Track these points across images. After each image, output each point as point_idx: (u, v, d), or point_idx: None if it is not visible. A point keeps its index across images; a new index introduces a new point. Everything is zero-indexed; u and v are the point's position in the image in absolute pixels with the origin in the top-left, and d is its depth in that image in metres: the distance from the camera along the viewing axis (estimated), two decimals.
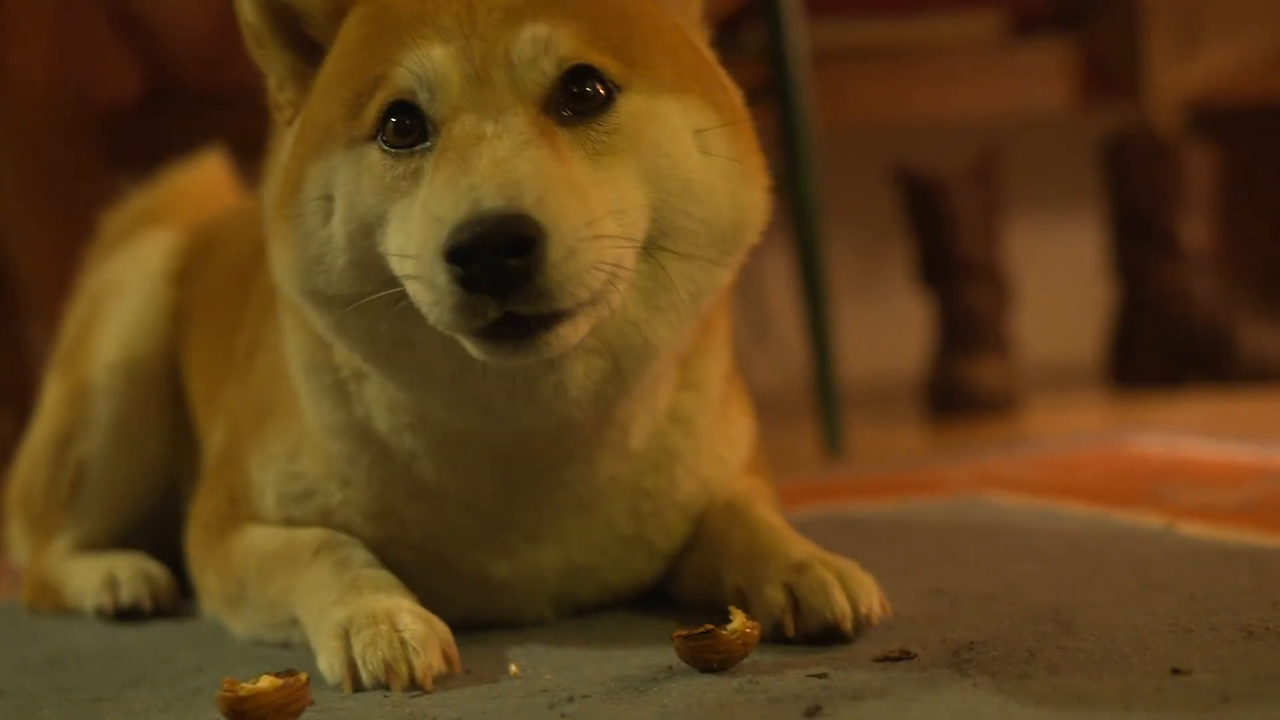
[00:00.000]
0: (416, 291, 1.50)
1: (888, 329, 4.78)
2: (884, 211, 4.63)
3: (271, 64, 1.70)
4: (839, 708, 1.36)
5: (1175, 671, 1.40)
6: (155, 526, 2.24)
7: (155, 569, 2.13)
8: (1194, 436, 3.14)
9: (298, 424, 1.80)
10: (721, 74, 1.68)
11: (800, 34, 3.34)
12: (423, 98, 1.54)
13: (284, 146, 1.70)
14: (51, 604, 2.18)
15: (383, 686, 1.54)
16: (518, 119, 1.51)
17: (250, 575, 1.81)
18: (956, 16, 4.55)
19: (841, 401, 3.42)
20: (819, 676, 1.47)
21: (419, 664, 1.54)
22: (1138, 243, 4.35)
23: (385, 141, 1.56)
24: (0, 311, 4.06)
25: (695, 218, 1.59)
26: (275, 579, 1.77)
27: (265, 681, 1.43)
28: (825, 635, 1.60)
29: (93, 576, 2.12)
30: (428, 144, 1.55)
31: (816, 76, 3.46)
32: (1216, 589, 1.71)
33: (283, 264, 1.64)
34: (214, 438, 2.05)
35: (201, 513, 1.97)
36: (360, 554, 1.73)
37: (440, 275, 1.45)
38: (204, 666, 1.74)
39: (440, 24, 1.55)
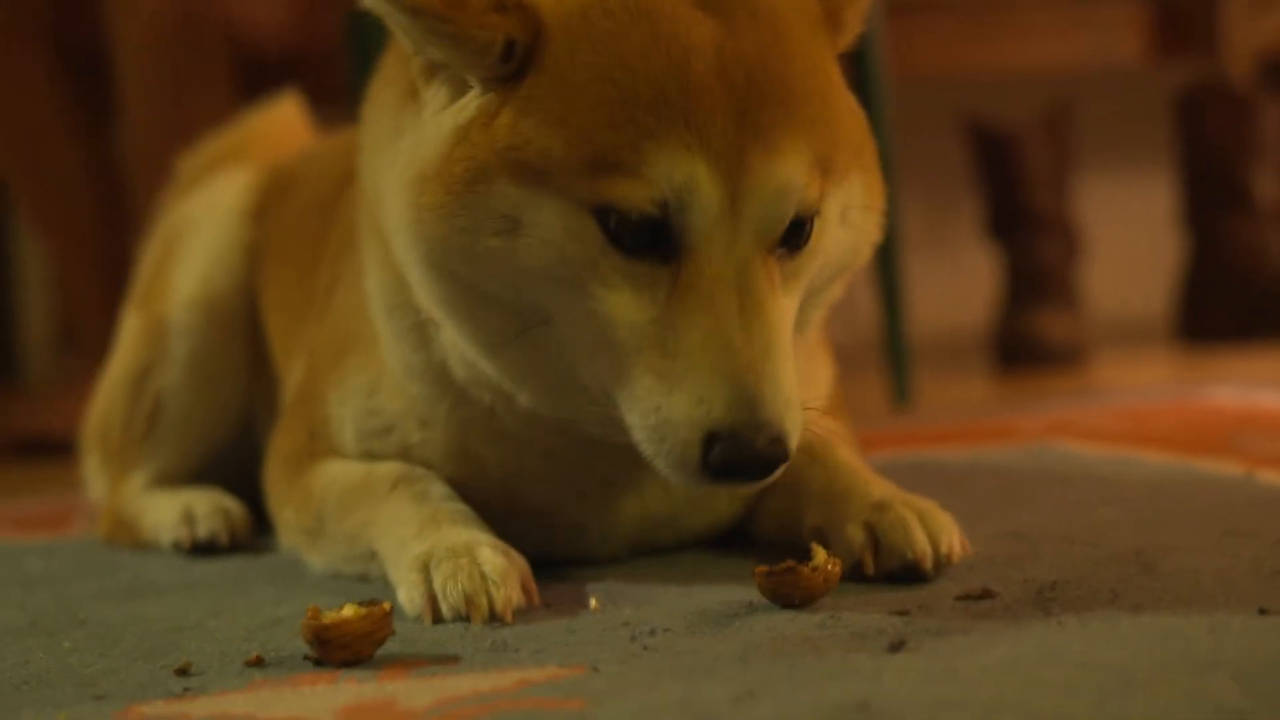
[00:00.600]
0: (636, 423, 1.50)
1: (957, 281, 4.76)
2: (954, 164, 4.60)
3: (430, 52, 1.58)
4: (923, 643, 1.36)
5: (1263, 611, 1.39)
6: (231, 462, 2.25)
7: (232, 504, 2.14)
8: (1269, 388, 3.11)
9: (376, 361, 1.80)
10: (855, 109, 1.64)
11: None
12: (675, 209, 1.47)
13: (430, 117, 1.60)
14: (128, 538, 2.19)
15: (463, 619, 1.55)
16: (760, 269, 1.49)
17: (329, 508, 1.82)
18: None
19: (910, 353, 3.41)
20: (901, 614, 1.47)
21: (499, 596, 1.54)
22: (1210, 197, 4.32)
23: (609, 229, 1.49)
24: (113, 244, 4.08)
25: (829, 279, 1.64)
26: (354, 512, 1.77)
27: (349, 610, 1.44)
28: (905, 574, 1.60)
29: (170, 511, 2.13)
30: (662, 263, 1.49)
31: (888, 27, 3.44)
32: None
33: (421, 236, 1.57)
34: (293, 374, 2.06)
35: (280, 447, 1.97)
36: (439, 487, 1.73)
37: (690, 453, 1.46)
38: (283, 599, 1.74)
39: (701, 128, 1.47)
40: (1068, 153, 4.26)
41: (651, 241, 1.49)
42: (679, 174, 1.47)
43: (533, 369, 1.61)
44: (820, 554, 1.53)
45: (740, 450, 1.44)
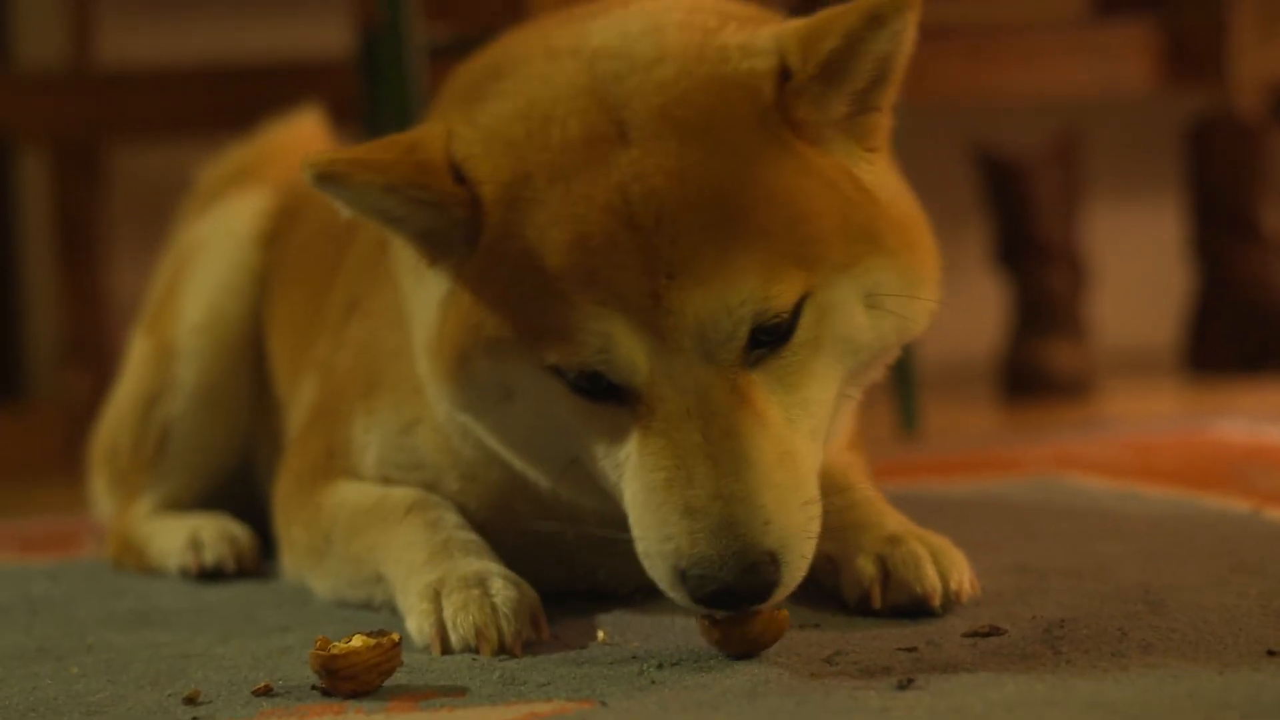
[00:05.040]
0: (636, 547, 1.49)
1: (964, 309, 4.75)
2: (962, 191, 4.60)
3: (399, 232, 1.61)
4: (931, 681, 1.36)
5: (1271, 653, 1.39)
6: (238, 488, 2.26)
7: (239, 530, 2.14)
8: (1276, 422, 3.11)
9: (413, 405, 1.78)
10: (851, 195, 1.55)
11: None
12: (604, 370, 1.48)
13: (427, 283, 1.62)
14: (135, 562, 2.19)
15: (472, 650, 1.55)
16: (724, 391, 1.46)
17: (338, 529, 1.81)
18: None
19: (918, 380, 3.41)
20: (909, 650, 1.47)
21: (509, 629, 1.55)
22: (1218, 227, 4.31)
23: (573, 384, 1.50)
24: (76, 264, 4.09)
25: (867, 361, 1.58)
26: (364, 534, 1.77)
27: (358, 640, 1.44)
28: (913, 609, 1.60)
29: (177, 537, 2.13)
30: (622, 404, 1.49)
31: None
32: None
33: (445, 396, 1.61)
34: (300, 394, 2.06)
35: (294, 463, 1.97)
36: (452, 516, 1.73)
37: (673, 586, 1.46)
38: (290, 626, 1.75)
39: (613, 288, 1.46)
40: (1076, 182, 4.26)
41: (608, 386, 1.49)
42: (596, 336, 1.46)
43: (589, 488, 1.60)
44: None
45: (709, 584, 1.43)
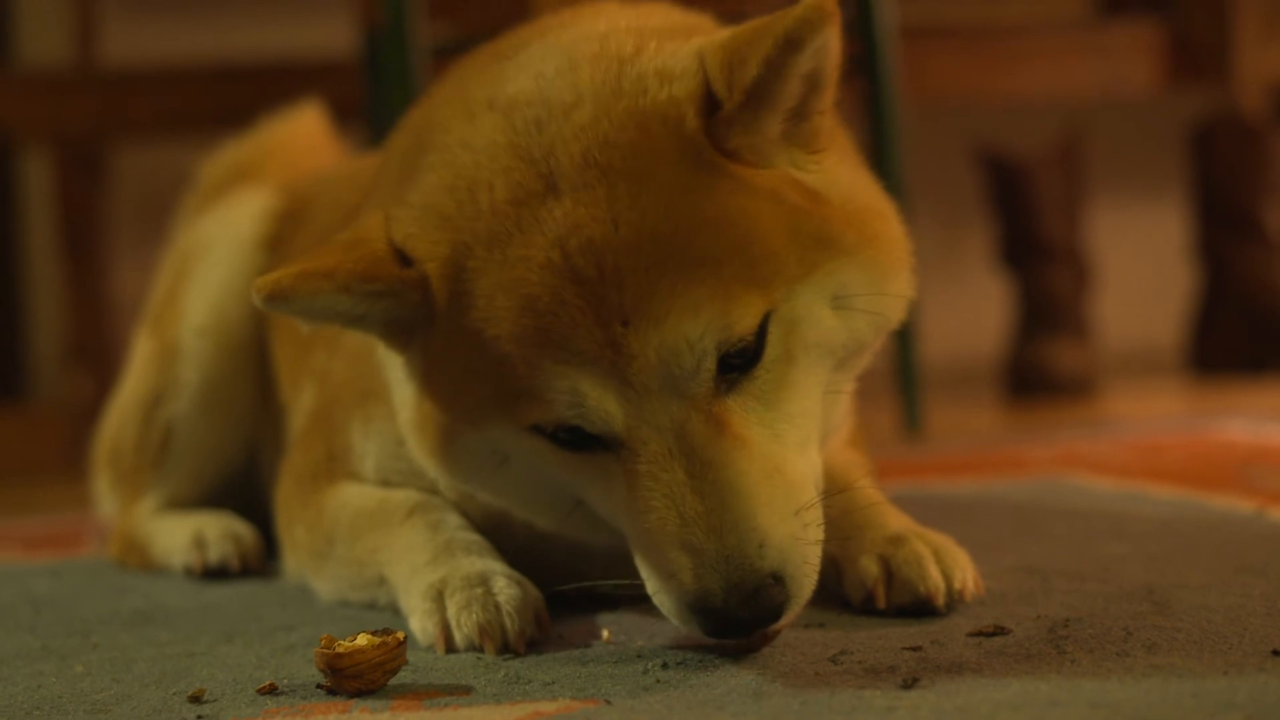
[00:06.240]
0: (649, 589, 1.49)
1: (967, 309, 4.75)
2: (966, 191, 4.60)
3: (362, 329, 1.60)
4: (936, 681, 1.36)
5: (1276, 653, 1.39)
6: (242, 487, 2.26)
7: (243, 529, 2.14)
8: (1279, 423, 3.11)
9: None
10: (836, 185, 1.54)
11: (889, 10, 3.32)
12: (583, 424, 1.47)
13: (401, 367, 1.63)
14: (139, 561, 2.20)
15: (476, 649, 1.55)
16: (700, 422, 1.44)
17: (341, 531, 1.82)
18: None
19: (921, 381, 3.41)
20: (913, 649, 1.47)
21: (512, 628, 1.55)
22: (1222, 228, 4.31)
23: (556, 440, 1.50)
24: (78, 263, 4.09)
25: (844, 359, 1.57)
26: (366, 536, 1.77)
27: (363, 639, 1.44)
28: (916, 609, 1.60)
29: (181, 535, 2.14)
30: (608, 450, 1.48)
31: (901, 54, 3.44)
32: None
33: (440, 472, 1.62)
34: (300, 399, 2.06)
35: (295, 466, 1.97)
36: (454, 517, 1.73)
37: (685, 622, 1.46)
38: (295, 625, 1.75)
39: (570, 345, 1.45)
40: (1079, 182, 4.26)
41: (590, 437, 1.48)
42: (565, 394, 1.46)
43: (592, 528, 1.60)
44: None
45: (716, 618, 1.43)
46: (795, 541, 1.44)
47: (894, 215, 1.59)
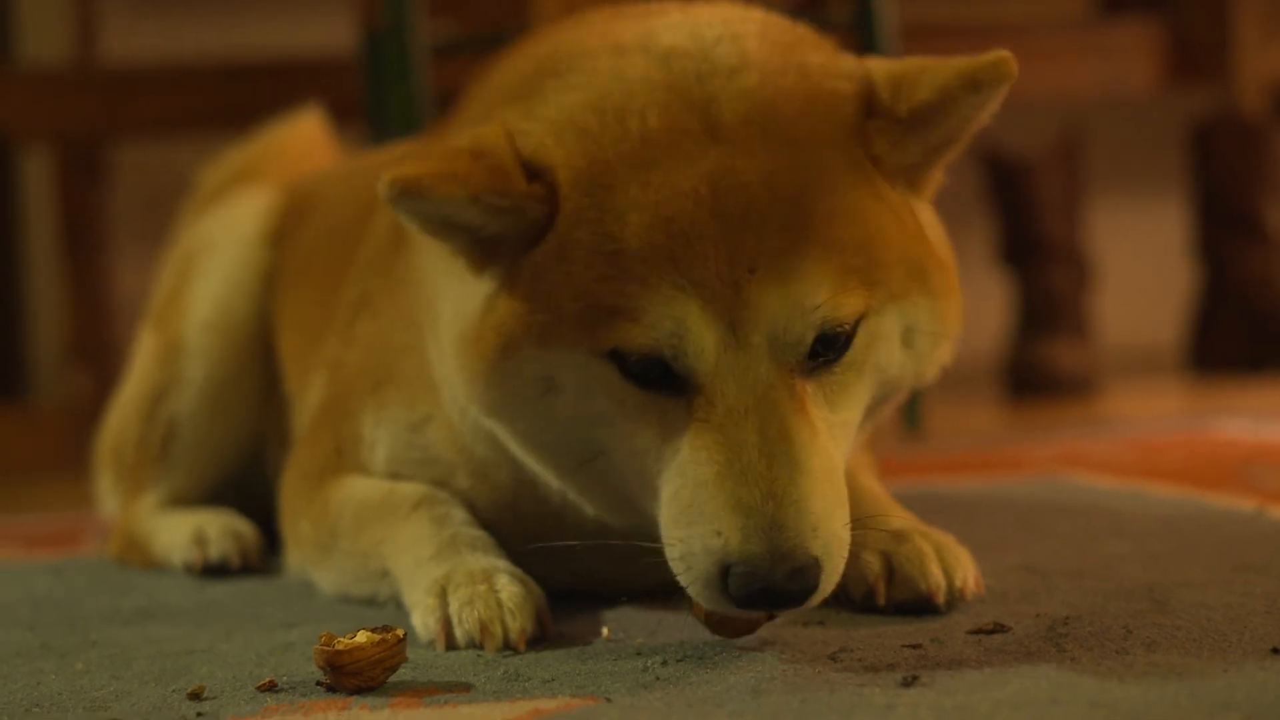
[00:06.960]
0: (667, 550, 1.48)
1: (967, 309, 4.74)
2: (966, 190, 4.60)
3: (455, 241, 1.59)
4: (936, 678, 1.36)
5: (1275, 651, 1.39)
6: (243, 485, 2.26)
7: (244, 527, 2.14)
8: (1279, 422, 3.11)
9: (426, 402, 1.78)
10: (912, 230, 1.58)
11: (889, 9, 3.32)
12: (670, 355, 1.48)
13: (467, 283, 1.61)
14: (140, 558, 2.20)
15: (476, 646, 1.55)
16: (784, 393, 1.47)
17: (345, 524, 1.81)
18: None
19: None
20: (913, 647, 1.47)
21: (514, 625, 1.55)
22: (1222, 227, 4.32)
23: (624, 372, 1.50)
24: (79, 262, 4.09)
25: (885, 396, 1.61)
26: (370, 529, 1.77)
27: (363, 636, 1.44)
28: (917, 606, 1.60)
29: (182, 532, 2.14)
30: (677, 395, 1.49)
31: (901, 51, 3.44)
32: None
33: (475, 392, 1.60)
34: (309, 391, 2.06)
35: (301, 460, 1.97)
36: (459, 512, 1.73)
37: (711, 583, 1.44)
38: (295, 622, 1.75)
39: (693, 274, 1.47)
40: (1079, 181, 4.26)
41: (665, 375, 1.49)
42: (669, 320, 1.47)
43: (598, 491, 1.61)
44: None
45: (756, 582, 1.42)
46: (839, 540, 1.46)
47: (959, 281, 1.64)
